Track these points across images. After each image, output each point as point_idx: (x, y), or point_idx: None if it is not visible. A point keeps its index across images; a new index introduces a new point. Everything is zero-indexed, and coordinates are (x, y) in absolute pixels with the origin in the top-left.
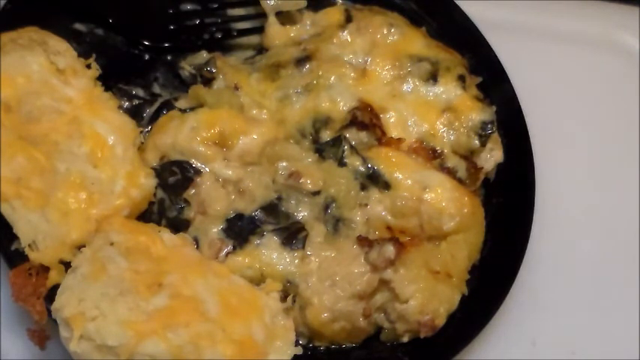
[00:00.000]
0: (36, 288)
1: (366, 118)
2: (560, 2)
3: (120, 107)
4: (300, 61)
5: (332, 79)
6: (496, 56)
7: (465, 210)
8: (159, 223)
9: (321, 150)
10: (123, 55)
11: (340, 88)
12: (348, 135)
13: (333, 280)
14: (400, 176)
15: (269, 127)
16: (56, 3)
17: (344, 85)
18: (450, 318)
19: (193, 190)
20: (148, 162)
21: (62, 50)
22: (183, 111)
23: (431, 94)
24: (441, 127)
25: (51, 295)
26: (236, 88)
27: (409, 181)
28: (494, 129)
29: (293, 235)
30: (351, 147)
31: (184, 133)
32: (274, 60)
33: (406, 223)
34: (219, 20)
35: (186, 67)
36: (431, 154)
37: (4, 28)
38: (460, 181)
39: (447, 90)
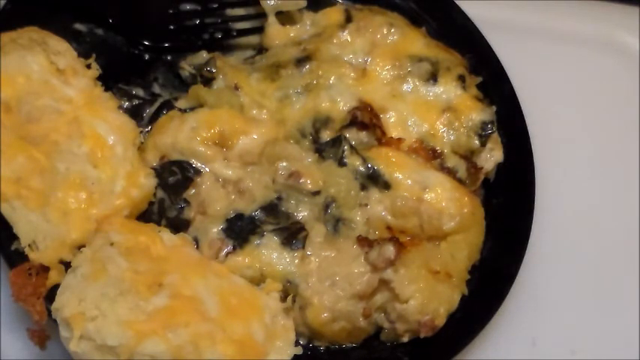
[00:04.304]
0: (36, 288)
1: (366, 118)
2: (560, 2)
3: (120, 107)
4: (300, 61)
5: (332, 79)
6: (496, 56)
7: (465, 210)
8: (159, 223)
9: (321, 150)
10: (123, 55)
11: (340, 88)
12: (348, 135)
13: (333, 280)
14: (400, 176)
15: (269, 127)
16: (56, 3)
17: (344, 85)
18: (450, 318)
19: (193, 190)
20: (148, 162)
21: (62, 50)
22: (183, 111)
23: (431, 94)
24: (441, 127)
25: (51, 295)
26: (236, 88)
27: (409, 181)
28: (494, 129)
29: (293, 235)
30: (351, 147)
31: (184, 133)
32: (274, 60)
33: (406, 223)
34: (219, 20)
35: (186, 67)
36: (431, 154)
37: (4, 28)
38: (460, 181)
39: (447, 90)
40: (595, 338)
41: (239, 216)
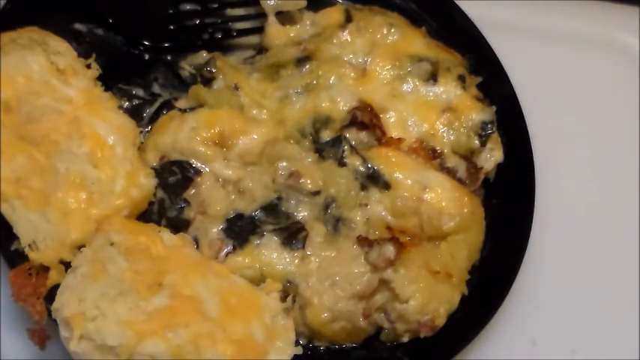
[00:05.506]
0: (36, 288)
1: (366, 118)
2: (560, 2)
3: (120, 107)
4: (300, 61)
5: (332, 79)
6: (496, 56)
7: (465, 210)
8: (159, 223)
9: (321, 150)
10: (123, 55)
11: (340, 88)
12: (348, 135)
13: (333, 280)
14: (400, 176)
15: (269, 127)
16: (56, 3)
17: (344, 85)
18: (450, 318)
19: (193, 190)
20: (148, 162)
21: (62, 50)
22: (183, 111)
23: (431, 94)
24: (441, 127)
25: (51, 295)
26: (236, 88)
27: (409, 181)
28: (494, 129)
29: (293, 235)
30: (351, 147)
31: (184, 133)
32: (274, 60)
33: (406, 223)
34: (219, 20)
35: (186, 67)
36: (431, 154)
37: (4, 28)
38: (460, 181)
39: (447, 90)
40: (595, 338)
41: (239, 216)
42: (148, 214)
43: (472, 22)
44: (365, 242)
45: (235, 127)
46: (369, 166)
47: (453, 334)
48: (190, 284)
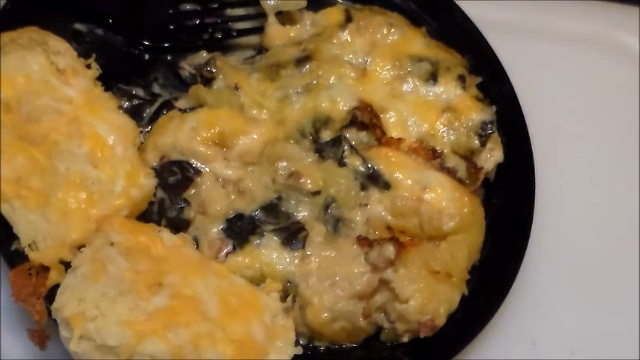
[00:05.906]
0: (36, 288)
1: (366, 118)
2: (560, 2)
3: (120, 107)
4: (300, 61)
5: (332, 79)
6: (496, 56)
7: (465, 210)
8: (159, 223)
9: (321, 150)
10: (123, 55)
11: (340, 88)
12: (348, 135)
13: (333, 280)
14: (400, 176)
15: (269, 127)
16: (56, 3)
17: (344, 85)
18: (450, 318)
19: (193, 190)
20: (148, 162)
21: (62, 50)
22: (183, 111)
23: (431, 94)
24: (441, 127)
25: (51, 295)
26: (236, 88)
27: (409, 181)
28: (494, 129)
29: (293, 235)
30: (351, 147)
31: (184, 133)
32: (274, 60)
33: (406, 223)
34: (219, 20)
35: (186, 67)
36: (431, 154)
37: (4, 28)
38: (460, 181)
39: (447, 90)
40: (595, 338)
41: (239, 216)
42: (148, 214)
43: (472, 22)
44: (365, 242)
45: (235, 127)
46: (369, 166)
47: (453, 334)
48: (190, 284)
